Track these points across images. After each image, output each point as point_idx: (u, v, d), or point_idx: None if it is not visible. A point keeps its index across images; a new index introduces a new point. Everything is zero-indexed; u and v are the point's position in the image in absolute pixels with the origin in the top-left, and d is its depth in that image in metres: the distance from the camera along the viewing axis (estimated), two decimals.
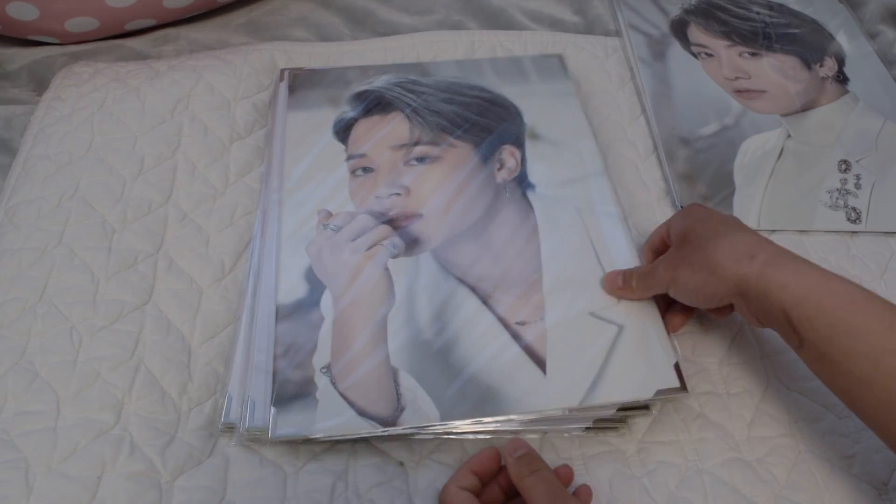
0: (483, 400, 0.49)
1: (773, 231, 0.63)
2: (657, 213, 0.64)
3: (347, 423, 0.48)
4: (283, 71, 0.71)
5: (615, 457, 0.50)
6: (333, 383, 0.50)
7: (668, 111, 0.71)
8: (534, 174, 0.63)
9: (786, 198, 0.65)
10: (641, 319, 0.53)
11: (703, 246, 0.48)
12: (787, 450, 0.50)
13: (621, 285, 0.54)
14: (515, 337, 0.52)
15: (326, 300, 0.54)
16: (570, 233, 0.58)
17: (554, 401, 0.49)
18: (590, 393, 0.49)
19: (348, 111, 0.66)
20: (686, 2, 0.82)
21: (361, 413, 0.48)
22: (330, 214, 0.59)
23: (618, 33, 0.81)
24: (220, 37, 0.81)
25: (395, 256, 0.56)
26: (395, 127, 0.64)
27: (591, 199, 0.61)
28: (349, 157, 0.63)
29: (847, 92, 0.74)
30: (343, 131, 0.65)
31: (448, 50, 0.77)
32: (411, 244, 0.57)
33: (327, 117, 0.66)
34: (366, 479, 0.48)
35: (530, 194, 0.61)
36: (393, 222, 0.58)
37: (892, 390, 0.40)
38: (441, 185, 0.60)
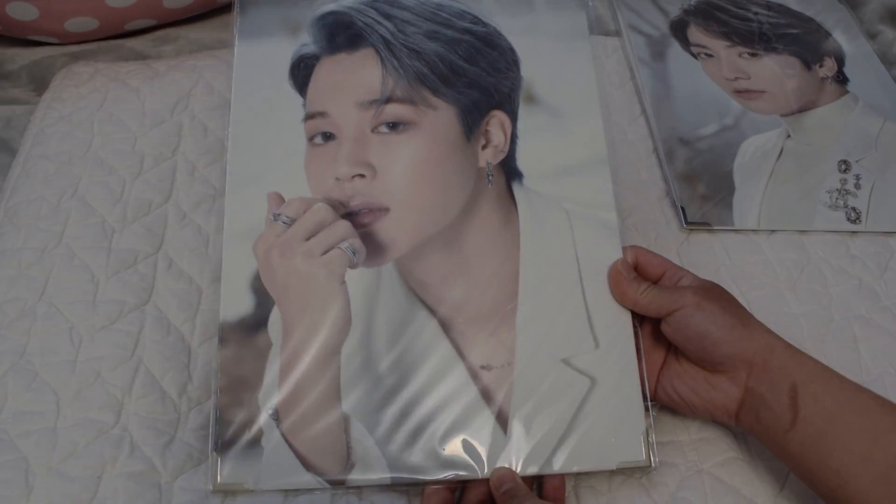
0: (438, 459, 0.46)
1: (773, 231, 0.63)
2: (657, 213, 0.64)
3: (296, 480, 0.45)
4: None
5: None
6: (281, 430, 0.46)
7: (668, 111, 0.71)
8: (523, 158, 0.53)
9: (786, 198, 0.65)
10: (616, 373, 0.48)
11: (742, 310, 0.47)
12: None
13: (629, 281, 0.49)
14: (481, 389, 0.47)
15: (275, 320, 0.48)
16: (556, 248, 0.51)
17: (512, 466, 0.46)
18: (550, 459, 0.46)
19: (309, 43, 0.54)
20: (686, 2, 0.82)
21: (309, 468, 0.45)
22: (282, 200, 0.50)
23: (617, 33, 0.81)
24: (220, 37, 0.81)
25: (353, 266, 0.49)
26: (364, 72, 0.52)
27: (588, 198, 0.53)
28: (307, 117, 0.52)
29: (847, 92, 0.74)
30: (301, 74, 0.54)
31: None
32: (374, 250, 0.49)
33: (283, 51, 0.55)
34: None
35: (516, 188, 0.52)
36: (354, 218, 0.49)
37: (888, 465, 0.41)
38: (414, 166, 0.51)
